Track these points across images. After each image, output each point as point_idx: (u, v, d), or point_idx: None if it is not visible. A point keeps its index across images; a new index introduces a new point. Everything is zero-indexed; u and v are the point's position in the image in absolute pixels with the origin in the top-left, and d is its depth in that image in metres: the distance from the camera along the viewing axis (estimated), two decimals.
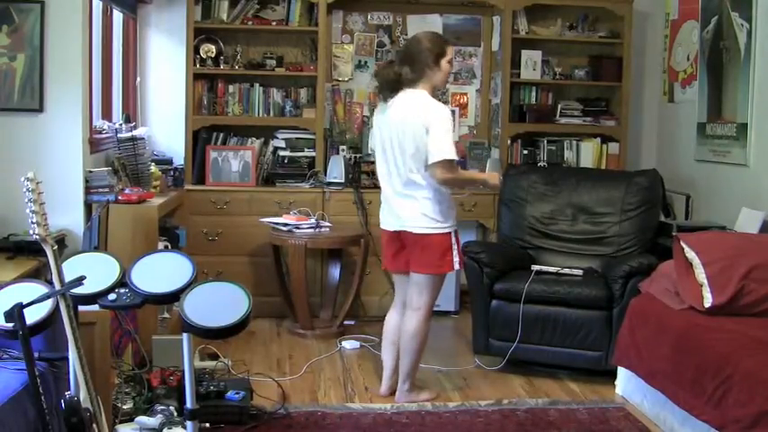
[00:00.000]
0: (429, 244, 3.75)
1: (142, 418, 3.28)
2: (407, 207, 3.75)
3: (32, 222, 2.41)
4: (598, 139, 5.80)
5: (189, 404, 2.73)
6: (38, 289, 2.55)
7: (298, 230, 4.96)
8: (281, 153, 5.61)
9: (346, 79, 5.86)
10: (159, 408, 3.35)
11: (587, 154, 5.79)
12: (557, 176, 5.04)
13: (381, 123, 3.81)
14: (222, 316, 2.62)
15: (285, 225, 5.00)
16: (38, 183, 2.42)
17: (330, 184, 5.44)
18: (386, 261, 4.01)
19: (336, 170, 5.44)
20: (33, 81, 4.01)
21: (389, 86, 3.76)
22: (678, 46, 5.70)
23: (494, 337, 4.39)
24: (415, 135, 3.65)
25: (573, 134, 5.82)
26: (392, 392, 3.96)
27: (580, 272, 4.48)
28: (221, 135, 5.56)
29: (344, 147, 5.68)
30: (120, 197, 4.21)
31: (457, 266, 3.84)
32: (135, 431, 3.26)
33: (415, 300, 3.87)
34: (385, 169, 3.82)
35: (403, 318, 3.92)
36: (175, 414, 3.33)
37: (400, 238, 3.84)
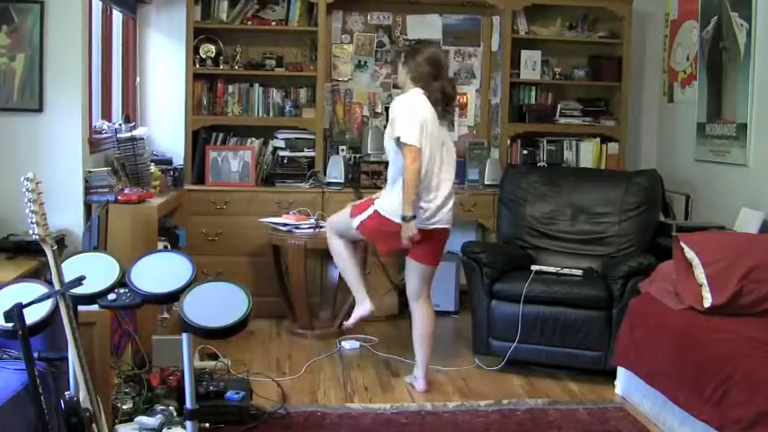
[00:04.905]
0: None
1: (142, 418, 3.28)
2: (449, 206, 4.02)
3: (32, 222, 2.41)
4: (598, 139, 5.80)
5: (188, 404, 2.73)
6: (37, 289, 2.55)
7: (297, 230, 4.95)
8: (281, 153, 5.61)
9: (346, 79, 5.86)
10: (159, 408, 3.35)
11: (587, 154, 5.78)
12: (556, 176, 5.04)
13: (436, 132, 3.95)
14: (222, 316, 2.62)
15: (285, 225, 5.00)
16: (37, 183, 2.42)
17: (330, 184, 5.44)
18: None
19: (336, 170, 5.44)
20: (33, 81, 4.01)
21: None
22: (678, 46, 5.70)
23: (494, 337, 4.39)
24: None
25: (572, 134, 5.82)
26: None
27: (580, 272, 4.48)
28: (221, 135, 5.56)
29: (344, 147, 5.69)
30: (119, 197, 4.21)
31: None
32: (135, 431, 3.26)
33: (428, 289, 4.16)
34: (444, 173, 4.00)
35: (421, 312, 4.10)
36: (175, 414, 3.33)
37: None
